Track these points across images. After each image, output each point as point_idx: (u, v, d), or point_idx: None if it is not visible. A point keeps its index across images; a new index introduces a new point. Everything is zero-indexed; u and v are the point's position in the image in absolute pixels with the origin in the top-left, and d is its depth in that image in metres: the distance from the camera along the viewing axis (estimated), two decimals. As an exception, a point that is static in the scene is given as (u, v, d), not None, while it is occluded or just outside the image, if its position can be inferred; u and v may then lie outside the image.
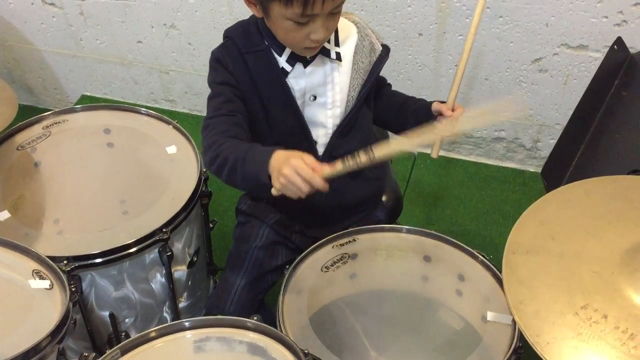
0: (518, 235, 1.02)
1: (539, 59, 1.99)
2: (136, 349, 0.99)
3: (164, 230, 1.38)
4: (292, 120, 1.32)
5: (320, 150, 1.35)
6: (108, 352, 0.97)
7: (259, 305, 1.46)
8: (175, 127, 1.63)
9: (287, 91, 1.29)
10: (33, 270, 1.13)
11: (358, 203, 1.46)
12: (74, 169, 1.65)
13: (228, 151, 1.20)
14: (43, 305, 1.09)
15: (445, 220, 2.08)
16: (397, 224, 1.55)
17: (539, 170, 2.24)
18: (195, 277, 1.58)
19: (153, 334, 1.01)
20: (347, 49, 1.30)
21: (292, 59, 1.27)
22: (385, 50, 1.35)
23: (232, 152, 1.19)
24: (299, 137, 1.33)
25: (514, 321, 1.20)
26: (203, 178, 1.51)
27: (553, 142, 2.16)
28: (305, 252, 1.35)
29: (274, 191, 1.10)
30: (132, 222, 1.44)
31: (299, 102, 1.31)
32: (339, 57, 1.29)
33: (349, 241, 1.39)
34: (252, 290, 1.43)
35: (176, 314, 1.52)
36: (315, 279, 1.32)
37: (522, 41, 1.97)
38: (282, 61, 1.27)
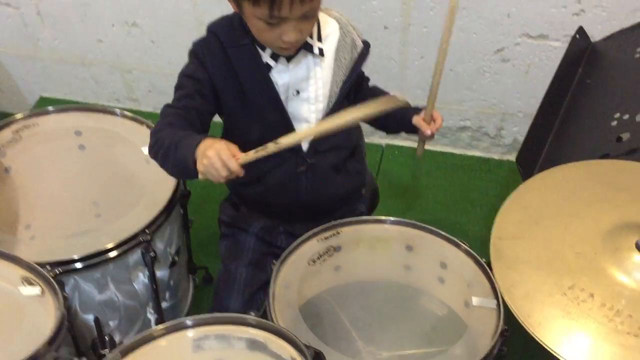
0: (503, 221, 1.06)
1: (502, 49, 2.05)
2: (136, 350, 0.99)
3: (147, 231, 1.37)
4: (276, 116, 1.32)
5: (305, 146, 1.36)
6: (109, 355, 0.96)
7: None
8: (149, 127, 1.61)
9: (270, 86, 1.29)
10: (22, 277, 1.11)
11: (342, 197, 1.48)
12: (45, 173, 1.63)
13: (165, 136, 1.20)
14: (35, 312, 1.07)
15: (416, 210, 2.12)
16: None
17: (504, 157, 2.31)
18: (176, 277, 1.58)
19: (155, 334, 1.01)
20: (329, 45, 1.31)
21: (276, 54, 1.27)
22: (367, 46, 1.36)
23: (169, 137, 1.20)
24: (282, 132, 1.33)
25: (498, 305, 1.25)
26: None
27: (516, 129, 2.23)
28: (291, 246, 1.36)
29: (200, 176, 1.13)
30: (112, 225, 1.43)
31: (282, 97, 1.31)
32: (321, 52, 1.30)
33: (333, 234, 1.41)
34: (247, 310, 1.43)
35: (160, 315, 1.52)
36: (302, 273, 1.33)
37: (484, 32, 2.02)
38: (265, 56, 1.28)
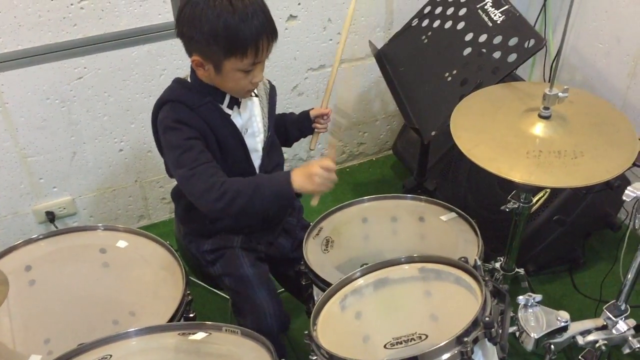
0: (461, 140, 1.54)
1: (296, 86, 2.56)
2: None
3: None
4: (239, 149, 1.62)
5: (257, 169, 1.67)
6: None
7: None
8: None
9: (234, 128, 1.59)
10: (178, 334, 1.19)
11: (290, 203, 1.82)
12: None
13: (237, 185, 1.47)
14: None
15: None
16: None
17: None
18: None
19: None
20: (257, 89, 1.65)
21: (230, 104, 1.58)
22: (272, 85, 1.72)
23: (243, 185, 1.48)
24: (241, 161, 1.63)
25: (457, 213, 1.73)
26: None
27: (320, 146, 2.75)
28: (302, 248, 1.66)
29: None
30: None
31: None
32: (256, 94, 1.64)
33: (320, 230, 1.73)
34: (275, 296, 1.67)
35: None
36: (322, 257, 1.65)
37: (281, 76, 2.50)
38: (224, 107, 1.57)
